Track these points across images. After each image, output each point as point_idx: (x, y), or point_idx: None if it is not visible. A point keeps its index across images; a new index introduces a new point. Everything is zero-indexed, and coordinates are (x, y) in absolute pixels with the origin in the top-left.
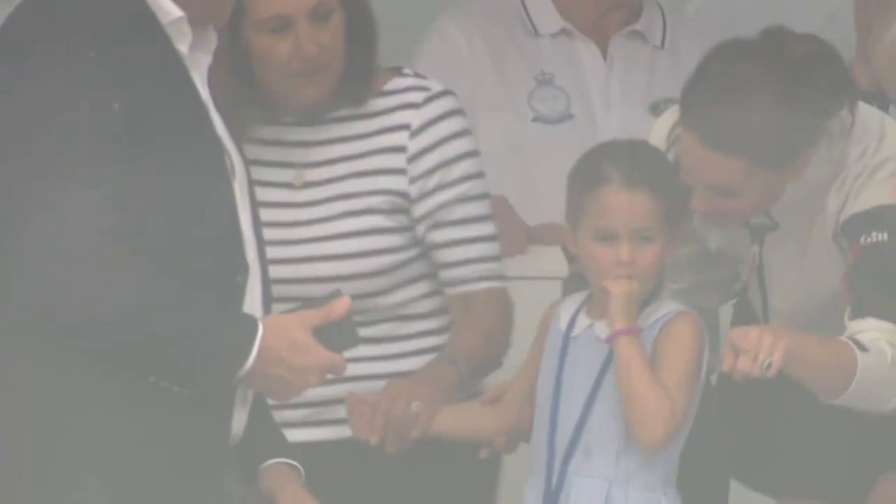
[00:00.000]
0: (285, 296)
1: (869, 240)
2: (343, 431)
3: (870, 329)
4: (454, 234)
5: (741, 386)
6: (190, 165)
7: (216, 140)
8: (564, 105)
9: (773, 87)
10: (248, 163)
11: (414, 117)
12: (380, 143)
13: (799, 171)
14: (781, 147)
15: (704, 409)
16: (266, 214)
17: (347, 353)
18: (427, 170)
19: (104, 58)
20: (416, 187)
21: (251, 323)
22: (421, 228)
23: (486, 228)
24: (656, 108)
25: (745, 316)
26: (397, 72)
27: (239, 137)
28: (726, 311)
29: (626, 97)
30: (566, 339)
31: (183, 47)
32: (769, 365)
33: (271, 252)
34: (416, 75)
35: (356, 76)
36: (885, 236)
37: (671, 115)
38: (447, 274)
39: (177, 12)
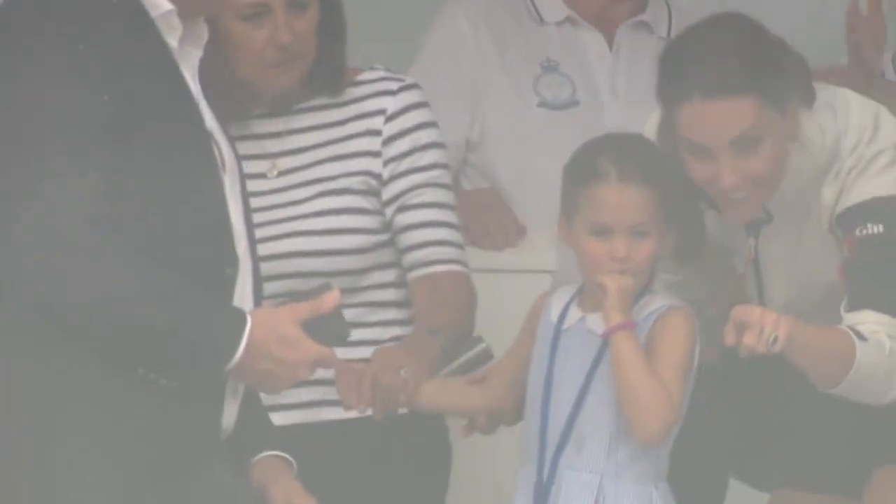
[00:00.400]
0: (264, 274)
1: (864, 232)
2: (310, 415)
3: (868, 321)
4: (421, 216)
5: (735, 380)
6: (179, 158)
7: (206, 133)
8: (570, 92)
9: (748, 28)
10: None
11: (390, 104)
12: (355, 128)
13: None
14: (784, 76)
15: (698, 403)
16: None
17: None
18: (399, 153)
19: (94, 50)
20: (388, 169)
21: (240, 316)
22: (389, 211)
23: (452, 216)
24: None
25: None
26: (367, 67)
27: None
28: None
29: (632, 86)
30: (557, 330)
31: (173, 41)
32: (775, 339)
33: None
34: (386, 69)
35: (330, 66)
36: (881, 228)
37: (656, 115)
38: (413, 256)
39: (166, 6)
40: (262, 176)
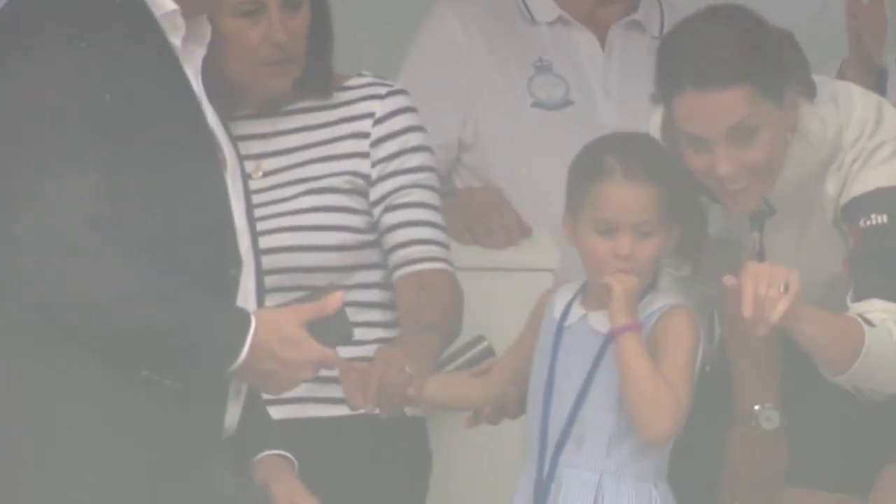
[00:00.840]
0: None
1: (869, 222)
2: (296, 411)
3: (876, 309)
4: (408, 215)
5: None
6: (181, 157)
7: (208, 132)
8: (563, 92)
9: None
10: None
11: (378, 107)
12: (343, 130)
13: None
14: (780, 67)
15: (698, 401)
16: None
17: None
18: (388, 154)
19: (95, 49)
20: (376, 170)
21: (244, 317)
22: (377, 211)
23: (439, 217)
24: (657, 98)
25: None
26: (356, 73)
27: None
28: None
29: (625, 86)
30: (560, 328)
31: (176, 40)
32: (786, 287)
33: None
34: (375, 75)
35: (319, 69)
36: (885, 218)
37: (659, 114)
38: (400, 254)
39: (170, 5)
40: (248, 177)
